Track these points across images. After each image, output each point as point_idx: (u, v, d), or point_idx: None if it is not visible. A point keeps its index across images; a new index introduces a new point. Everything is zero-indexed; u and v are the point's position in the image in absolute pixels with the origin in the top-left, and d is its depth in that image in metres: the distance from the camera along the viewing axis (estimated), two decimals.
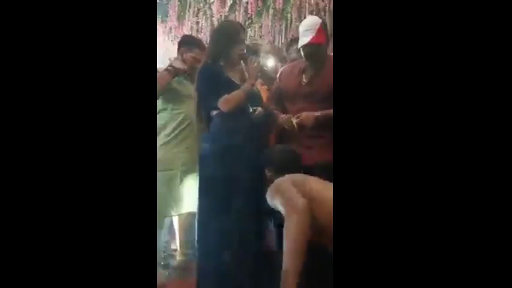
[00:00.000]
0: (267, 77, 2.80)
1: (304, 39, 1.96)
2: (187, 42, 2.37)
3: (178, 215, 2.28)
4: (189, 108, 2.21)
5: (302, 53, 2.01)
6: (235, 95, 1.97)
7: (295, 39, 2.31)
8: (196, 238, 2.04)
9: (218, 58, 2.04)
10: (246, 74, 2.05)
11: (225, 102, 1.97)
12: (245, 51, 2.09)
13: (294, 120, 1.93)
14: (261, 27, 4.07)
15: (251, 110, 1.95)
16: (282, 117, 2.01)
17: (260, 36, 4.09)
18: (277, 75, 2.19)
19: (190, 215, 2.37)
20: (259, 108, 1.97)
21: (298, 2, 3.67)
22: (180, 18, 4.19)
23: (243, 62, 2.07)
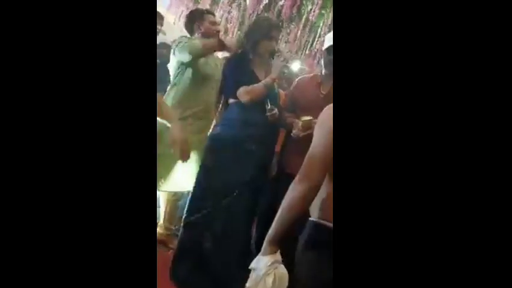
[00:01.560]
0: (286, 81, 2.84)
1: (331, 41, 1.91)
2: (195, 16, 2.35)
3: (168, 191, 2.29)
4: (209, 90, 2.23)
5: (325, 57, 1.96)
6: (256, 88, 2.00)
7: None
8: (183, 216, 2.05)
9: (249, 50, 2.08)
10: (272, 71, 2.07)
11: (245, 93, 2.00)
12: (276, 48, 2.12)
13: (303, 118, 1.88)
14: (288, 33, 4.10)
15: (269, 107, 1.98)
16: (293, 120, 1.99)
17: (286, 43, 4.12)
18: (294, 83, 2.20)
19: (180, 194, 2.39)
20: (276, 109, 2.00)
21: (331, 21, 3.70)
22: (213, 3, 4.21)
23: (271, 58, 2.11)
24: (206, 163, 2.03)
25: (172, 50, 2.25)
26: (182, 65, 2.20)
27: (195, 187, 2.05)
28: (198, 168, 2.08)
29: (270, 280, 1.08)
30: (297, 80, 2.21)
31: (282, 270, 1.11)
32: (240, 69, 2.06)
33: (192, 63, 2.16)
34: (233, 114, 2.04)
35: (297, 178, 1.08)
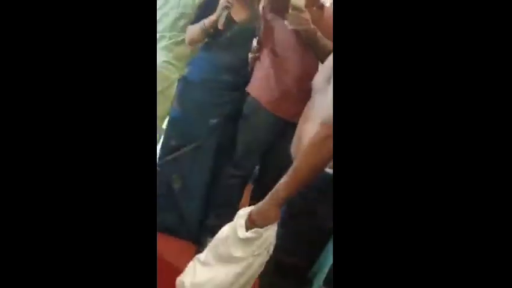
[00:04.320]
0: None
1: None
2: None
3: None
4: None
5: None
6: (192, 29, 1.95)
7: None
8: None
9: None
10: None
11: (188, 33, 1.97)
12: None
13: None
14: None
15: (254, 45, 1.84)
16: None
17: None
18: None
19: None
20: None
21: None
22: None
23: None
24: (175, 106, 2.02)
25: None
26: None
27: (166, 129, 2.05)
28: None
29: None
30: None
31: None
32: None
33: None
34: (200, 54, 2.01)
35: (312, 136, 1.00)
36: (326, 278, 1.22)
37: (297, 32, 1.66)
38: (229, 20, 1.86)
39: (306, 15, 1.60)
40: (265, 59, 1.79)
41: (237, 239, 0.99)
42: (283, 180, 1.00)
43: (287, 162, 1.16)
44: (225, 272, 0.98)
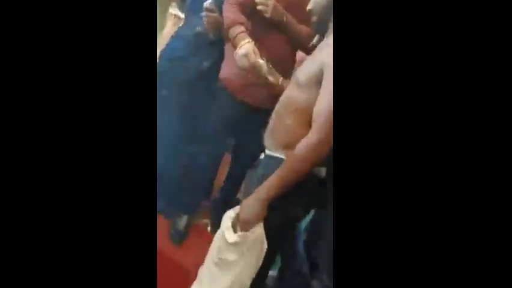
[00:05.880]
0: None
1: None
2: None
3: None
4: None
5: None
6: None
7: None
8: None
9: None
10: None
11: None
12: None
13: None
14: None
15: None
16: None
17: None
18: None
19: None
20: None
21: None
22: None
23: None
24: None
25: None
26: None
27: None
28: None
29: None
30: None
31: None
32: None
33: None
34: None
35: (306, 137, 1.02)
36: None
37: (268, 18, 1.59)
38: None
39: (270, 1, 1.56)
40: None
41: (226, 244, 0.99)
42: (273, 177, 1.02)
43: (258, 150, 1.17)
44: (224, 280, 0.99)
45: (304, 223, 1.44)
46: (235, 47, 1.51)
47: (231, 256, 0.99)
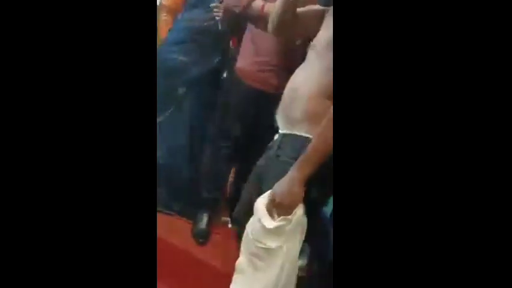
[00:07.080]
0: None
1: None
2: None
3: None
4: None
5: None
6: None
7: None
8: None
9: None
10: None
11: None
12: None
13: None
14: None
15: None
16: None
17: None
18: None
19: None
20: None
21: None
22: None
23: None
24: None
25: None
26: None
27: None
28: None
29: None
30: None
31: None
32: None
33: None
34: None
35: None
36: None
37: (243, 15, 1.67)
38: None
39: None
40: (248, 33, 1.77)
41: (266, 231, 0.96)
42: (304, 156, 0.98)
43: (270, 133, 1.16)
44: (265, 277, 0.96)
45: (329, 209, 1.40)
46: (265, 14, 1.48)
47: (273, 243, 0.95)
